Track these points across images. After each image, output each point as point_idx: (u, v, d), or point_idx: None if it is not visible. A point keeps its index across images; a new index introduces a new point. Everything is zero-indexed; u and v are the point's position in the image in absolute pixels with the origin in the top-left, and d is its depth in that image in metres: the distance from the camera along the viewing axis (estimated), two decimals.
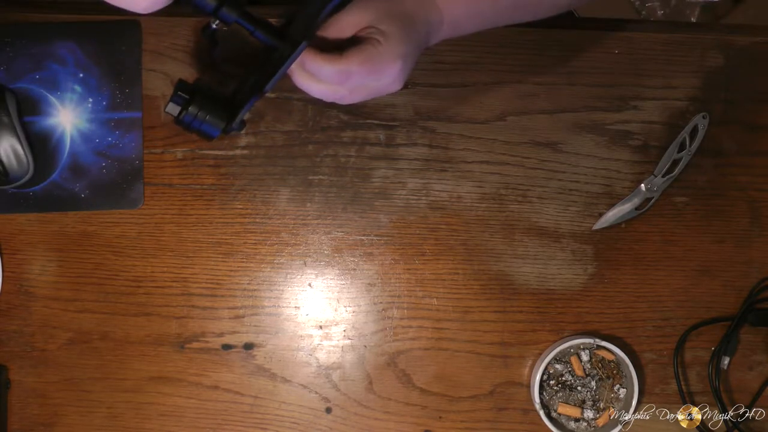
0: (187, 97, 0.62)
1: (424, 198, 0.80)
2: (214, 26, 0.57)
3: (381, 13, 0.59)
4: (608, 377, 0.78)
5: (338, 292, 0.80)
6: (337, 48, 0.58)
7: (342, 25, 0.59)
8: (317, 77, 0.59)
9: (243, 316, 0.79)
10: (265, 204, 0.79)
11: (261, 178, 0.79)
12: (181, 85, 0.63)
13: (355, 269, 0.80)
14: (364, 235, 0.80)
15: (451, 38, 0.65)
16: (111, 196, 0.78)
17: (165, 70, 0.79)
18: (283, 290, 0.80)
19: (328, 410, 0.80)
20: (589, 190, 0.80)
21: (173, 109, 0.62)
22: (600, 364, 0.78)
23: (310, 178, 0.79)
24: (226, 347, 0.79)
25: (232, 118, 0.62)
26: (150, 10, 0.52)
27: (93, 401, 0.79)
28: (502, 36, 0.79)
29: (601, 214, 0.80)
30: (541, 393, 0.77)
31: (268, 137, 0.79)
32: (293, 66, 0.59)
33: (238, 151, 0.79)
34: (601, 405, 0.78)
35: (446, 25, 0.63)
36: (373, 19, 0.58)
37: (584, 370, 0.78)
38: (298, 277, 0.80)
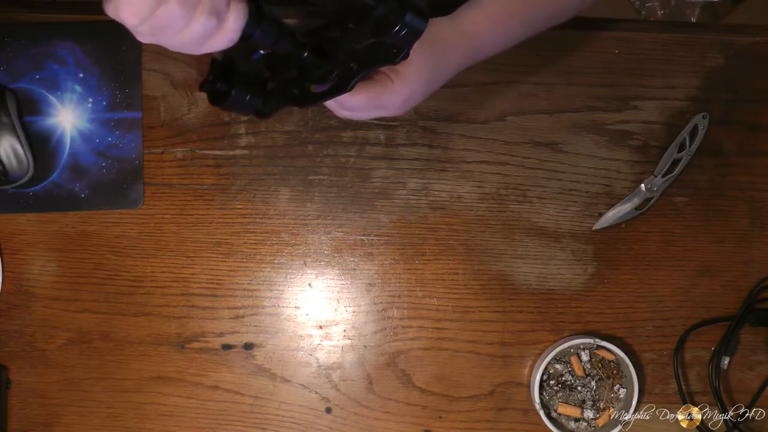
0: (224, 88, 0.61)
1: (424, 198, 0.80)
2: (261, 52, 0.57)
3: (416, 50, 0.60)
4: (608, 377, 0.78)
5: (338, 292, 0.80)
6: None
7: None
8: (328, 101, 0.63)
9: (243, 316, 0.79)
10: (265, 204, 0.79)
11: (261, 178, 0.79)
12: (217, 66, 0.62)
13: (355, 269, 0.80)
14: (364, 235, 0.80)
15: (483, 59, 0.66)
16: (111, 196, 0.78)
17: (165, 70, 0.79)
18: (283, 290, 0.80)
19: (328, 410, 0.80)
20: (589, 190, 0.80)
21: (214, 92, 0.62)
22: (600, 364, 0.78)
23: (310, 178, 0.79)
24: (226, 347, 0.79)
25: (265, 102, 0.62)
26: (214, 50, 0.53)
27: (93, 401, 0.79)
28: None
29: (601, 214, 0.80)
30: (541, 393, 0.77)
31: (268, 137, 0.79)
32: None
33: (238, 151, 0.79)
34: (601, 405, 0.78)
35: (482, 50, 0.64)
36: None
37: (584, 370, 0.78)
38: (298, 277, 0.80)
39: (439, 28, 0.61)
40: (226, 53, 0.66)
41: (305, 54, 0.58)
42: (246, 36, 0.53)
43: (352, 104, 0.61)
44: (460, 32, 0.63)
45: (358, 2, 0.58)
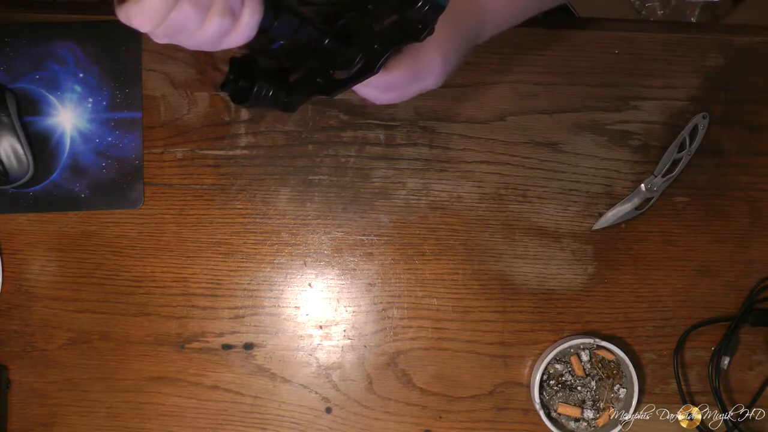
0: (248, 84, 0.61)
1: (424, 198, 0.80)
2: (281, 42, 0.57)
3: (431, 39, 0.59)
4: (608, 377, 0.78)
5: (338, 292, 0.80)
6: None
7: None
8: (365, 85, 0.61)
9: (243, 316, 0.79)
10: (265, 204, 0.79)
11: (261, 178, 0.79)
12: (237, 64, 0.62)
13: (355, 269, 0.80)
14: (364, 235, 0.80)
15: (495, 35, 0.66)
16: (111, 196, 0.78)
17: (165, 70, 0.79)
18: (283, 290, 0.80)
19: (328, 410, 0.80)
20: (589, 190, 0.80)
21: (237, 91, 0.61)
22: (600, 364, 0.78)
23: (310, 178, 0.79)
24: (226, 347, 0.79)
25: (288, 96, 0.62)
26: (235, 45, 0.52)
27: (93, 401, 0.79)
28: (502, 36, 0.79)
29: (601, 214, 0.80)
30: (541, 393, 0.77)
31: (268, 137, 0.79)
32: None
33: (238, 151, 0.79)
34: (601, 405, 0.78)
35: (492, 23, 0.64)
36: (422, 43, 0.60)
37: (584, 370, 0.78)
38: (298, 277, 0.80)
39: (454, 16, 0.61)
40: (246, 48, 0.65)
41: (326, 41, 0.58)
42: (264, 29, 0.52)
43: (392, 82, 0.60)
44: (476, 10, 0.62)
45: None
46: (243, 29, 0.50)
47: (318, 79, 0.61)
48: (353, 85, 0.59)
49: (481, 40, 0.65)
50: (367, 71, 0.60)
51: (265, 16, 0.51)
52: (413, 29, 0.60)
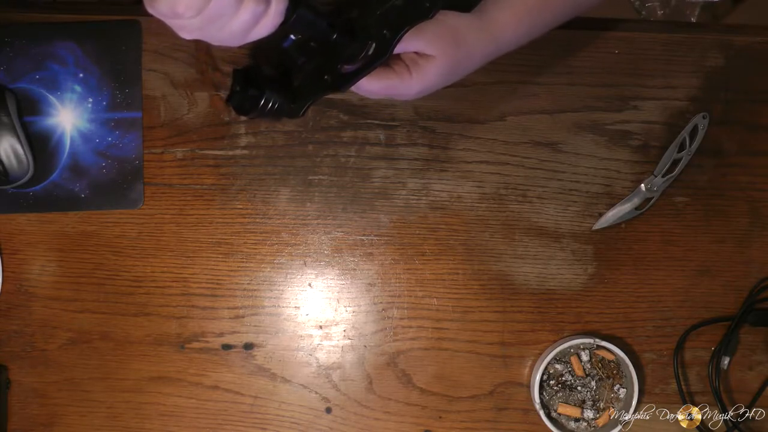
0: (256, 93, 0.61)
1: (424, 198, 0.80)
2: (292, 38, 0.57)
3: (428, 38, 0.60)
4: (608, 377, 0.78)
5: (338, 292, 0.80)
6: None
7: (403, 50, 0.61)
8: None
9: (243, 316, 0.79)
10: (265, 204, 0.79)
11: (261, 178, 0.79)
12: (241, 75, 0.62)
13: (355, 269, 0.80)
14: (364, 235, 0.80)
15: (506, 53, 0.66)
16: (111, 196, 0.78)
17: (165, 70, 0.79)
18: (283, 290, 0.80)
19: (328, 410, 0.80)
20: (589, 190, 0.80)
21: (242, 102, 0.61)
22: (600, 364, 0.78)
23: (310, 178, 0.79)
24: (226, 347, 0.79)
25: (294, 101, 0.62)
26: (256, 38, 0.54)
27: (93, 401, 0.79)
28: None
29: (601, 214, 0.80)
30: (541, 393, 0.77)
31: (268, 137, 0.79)
32: None
33: (238, 151, 0.79)
34: (601, 405, 0.78)
35: (504, 42, 0.64)
36: (421, 46, 0.60)
37: (584, 370, 0.78)
38: (298, 277, 0.80)
39: (462, 23, 0.61)
40: (253, 50, 0.64)
41: (335, 36, 0.58)
42: (283, 21, 0.53)
43: (367, 89, 0.61)
44: (484, 27, 0.62)
45: None
46: (272, 17, 0.51)
47: (325, 77, 0.61)
48: (366, 75, 0.60)
49: (495, 57, 0.65)
50: (379, 57, 0.59)
51: (288, 7, 0.52)
52: (421, 8, 0.60)
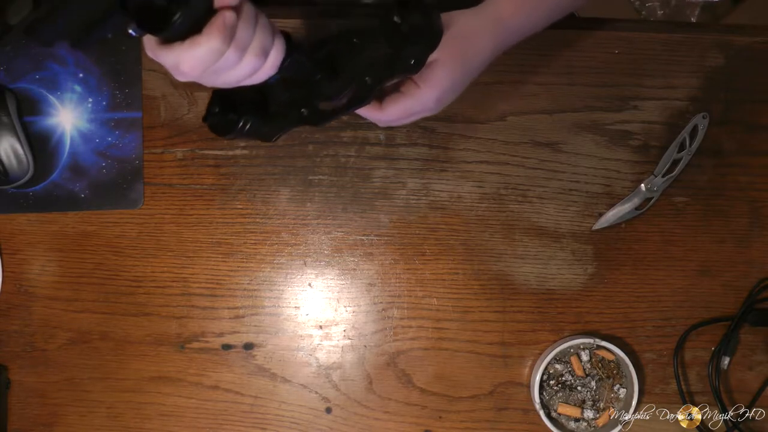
0: (235, 118, 0.61)
1: (424, 198, 0.80)
2: (278, 76, 0.58)
3: (439, 48, 0.60)
4: (608, 377, 0.78)
5: (338, 292, 0.80)
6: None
7: None
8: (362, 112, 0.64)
9: (243, 316, 0.79)
10: (265, 204, 0.79)
11: (261, 178, 0.79)
12: (220, 97, 0.63)
13: (355, 269, 0.80)
14: (364, 235, 0.80)
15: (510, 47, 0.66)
16: (111, 196, 0.78)
17: (165, 70, 0.78)
18: (283, 290, 0.80)
19: (328, 410, 0.80)
20: (589, 190, 0.80)
21: (220, 125, 0.62)
22: (600, 364, 0.78)
23: (310, 178, 0.79)
24: (226, 347, 0.79)
25: (268, 127, 0.63)
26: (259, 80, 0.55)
27: (93, 401, 0.79)
28: None
29: (601, 214, 0.80)
30: (541, 393, 0.77)
31: None
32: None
33: (238, 151, 0.79)
34: (601, 405, 0.78)
35: (509, 31, 0.64)
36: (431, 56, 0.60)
37: (584, 370, 0.78)
38: (298, 277, 0.80)
39: (465, 19, 0.61)
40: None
41: (318, 76, 0.59)
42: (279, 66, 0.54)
43: (386, 119, 0.62)
44: (487, 18, 0.62)
45: (387, 22, 0.58)
46: (269, 68, 0.53)
47: (303, 110, 0.62)
48: (342, 116, 0.61)
49: (503, 48, 0.64)
50: (357, 102, 0.61)
51: (284, 55, 0.54)
52: (405, 64, 0.61)
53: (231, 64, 0.49)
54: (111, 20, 0.46)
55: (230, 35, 0.48)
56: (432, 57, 0.60)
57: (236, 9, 0.48)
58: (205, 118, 0.62)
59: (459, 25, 0.61)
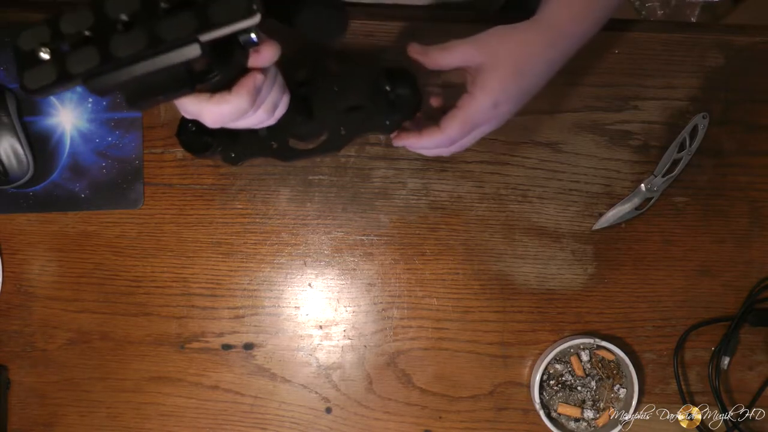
0: (210, 141, 0.63)
1: (424, 198, 0.80)
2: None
3: (488, 52, 0.59)
4: (608, 377, 0.78)
5: (338, 292, 0.80)
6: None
7: (449, 60, 0.60)
8: (427, 151, 0.64)
9: (243, 316, 0.79)
10: (265, 204, 0.79)
11: (261, 178, 0.79)
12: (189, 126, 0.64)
13: (355, 269, 0.80)
14: (364, 235, 0.80)
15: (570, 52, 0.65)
16: (111, 196, 0.78)
17: None
18: (283, 290, 0.80)
19: (328, 410, 0.80)
20: (589, 190, 0.80)
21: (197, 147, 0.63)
22: (600, 364, 0.78)
23: (310, 178, 0.79)
24: (226, 347, 0.79)
25: (236, 152, 0.65)
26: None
27: (93, 401, 0.79)
28: None
29: (601, 214, 0.80)
30: (541, 393, 0.77)
31: None
32: (405, 141, 0.63)
33: None
34: (601, 405, 0.78)
35: (566, 38, 0.63)
36: (480, 60, 0.59)
37: (584, 370, 0.78)
38: (298, 277, 0.80)
39: (518, 29, 0.60)
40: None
41: (294, 115, 0.60)
42: None
43: (447, 138, 0.60)
44: (540, 25, 0.61)
45: (375, 87, 0.59)
46: (273, 120, 0.55)
47: (273, 143, 0.63)
48: (313, 157, 0.64)
49: (561, 58, 0.63)
50: (331, 150, 0.62)
51: None
52: (381, 124, 0.61)
53: (243, 114, 0.51)
54: (178, 92, 0.46)
55: (257, 96, 0.50)
56: (479, 59, 0.59)
57: (263, 69, 0.50)
58: (178, 134, 0.63)
59: (512, 34, 0.60)
